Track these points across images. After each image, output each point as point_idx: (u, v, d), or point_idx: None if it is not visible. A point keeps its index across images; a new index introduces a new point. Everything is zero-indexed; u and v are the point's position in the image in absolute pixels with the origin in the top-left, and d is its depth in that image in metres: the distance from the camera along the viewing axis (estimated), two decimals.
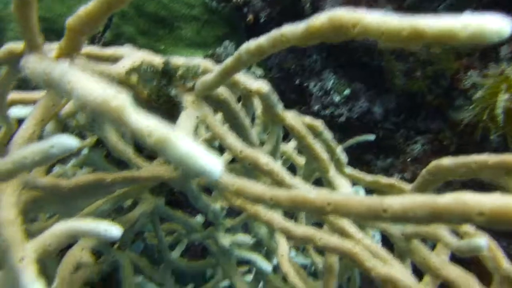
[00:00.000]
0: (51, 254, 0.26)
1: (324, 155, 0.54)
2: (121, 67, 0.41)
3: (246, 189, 0.26)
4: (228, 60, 0.35)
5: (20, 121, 0.61)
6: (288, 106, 1.60)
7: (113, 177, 0.54)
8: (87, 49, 0.44)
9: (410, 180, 1.37)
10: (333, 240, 0.30)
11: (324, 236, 0.30)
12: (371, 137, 1.29)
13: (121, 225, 0.63)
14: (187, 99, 0.38)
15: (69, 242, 0.27)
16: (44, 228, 0.59)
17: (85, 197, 0.55)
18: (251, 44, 0.33)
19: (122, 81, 0.38)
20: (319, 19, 0.27)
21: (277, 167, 0.35)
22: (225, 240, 0.68)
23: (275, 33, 0.31)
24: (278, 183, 0.35)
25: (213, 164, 0.17)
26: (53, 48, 0.30)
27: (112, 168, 0.65)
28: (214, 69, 0.44)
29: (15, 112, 0.58)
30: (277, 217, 0.34)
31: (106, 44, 1.41)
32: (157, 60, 0.43)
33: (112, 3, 0.24)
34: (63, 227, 0.26)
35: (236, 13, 1.47)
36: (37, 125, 0.31)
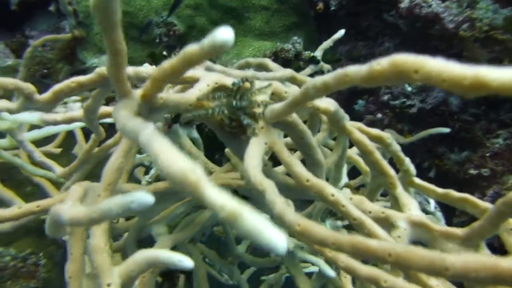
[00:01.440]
0: (133, 279, 0.29)
1: (392, 171, 0.54)
2: (196, 91, 0.43)
3: (310, 232, 0.28)
4: (297, 94, 0.37)
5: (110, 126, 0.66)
6: (356, 95, 1.56)
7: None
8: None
9: (488, 178, 1.29)
10: (400, 284, 0.31)
11: (390, 279, 0.30)
12: (446, 130, 1.23)
13: (194, 224, 0.67)
14: (257, 126, 0.40)
15: (148, 269, 0.30)
16: (126, 228, 0.66)
17: (161, 202, 0.60)
18: (318, 81, 0.34)
19: (197, 106, 0.41)
20: (381, 64, 0.28)
21: (341, 197, 0.36)
22: (289, 242, 0.71)
23: (340, 73, 0.32)
24: (343, 213, 0.36)
25: (278, 240, 0.19)
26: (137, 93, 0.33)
27: None
28: (282, 91, 0.46)
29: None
30: (342, 256, 0.35)
31: (181, 36, 1.47)
32: (229, 82, 0.45)
33: (192, 61, 0.27)
34: (144, 256, 0.29)
35: (306, 2, 1.45)
36: (124, 156, 0.35)
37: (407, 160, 0.62)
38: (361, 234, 0.35)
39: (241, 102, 0.40)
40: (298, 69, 1.18)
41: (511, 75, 0.22)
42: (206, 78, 0.45)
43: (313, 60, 1.14)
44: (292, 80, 0.77)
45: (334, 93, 1.33)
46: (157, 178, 0.70)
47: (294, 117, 0.44)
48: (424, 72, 0.26)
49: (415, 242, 0.51)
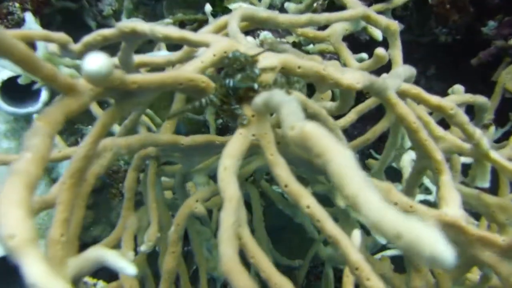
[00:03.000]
0: (84, 274, 0.31)
1: (439, 155, 0.45)
2: (197, 63, 0.40)
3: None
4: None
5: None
6: (486, 15, 1.27)
7: (222, 140, 0.57)
8: (181, 34, 0.44)
9: None
10: None
11: None
12: None
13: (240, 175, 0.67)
14: (247, 112, 0.36)
15: (97, 267, 0.31)
16: (173, 172, 0.68)
17: (200, 154, 0.60)
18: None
19: (191, 84, 0.37)
20: None
21: (318, 210, 0.31)
22: (340, 200, 0.67)
23: None
24: (318, 228, 0.31)
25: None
26: None
27: None
28: (294, 66, 0.39)
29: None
30: None
31: None
32: (242, 52, 0.40)
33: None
34: (94, 255, 0.30)
35: None
36: (93, 143, 0.34)
37: (478, 133, 0.52)
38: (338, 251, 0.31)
39: (233, 81, 0.36)
40: None
41: None
42: (216, 44, 0.41)
43: None
44: (366, 19, 0.67)
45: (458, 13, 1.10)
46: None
47: (302, 98, 0.38)
48: None
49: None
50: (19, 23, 1.24)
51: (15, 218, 0.18)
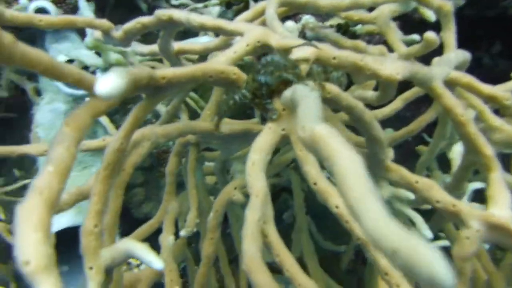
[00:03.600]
0: (115, 265, 0.32)
1: (489, 149, 0.42)
2: (230, 54, 0.39)
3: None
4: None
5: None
6: None
7: (260, 128, 0.56)
8: (215, 23, 0.43)
9: None
10: None
11: None
12: None
13: (273, 165, 0.67)
14: (278, 106, 0.35)
15: (127, 259, 0.32)
16: (213, 158, 0.69)
17: (238, 142, 0.60)
18: None
19: (222, 77, 0.37)
20: None
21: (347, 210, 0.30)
22: (385, 190, 0.64)
23: None
24: (347, 228, 0.30)
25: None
26: None
27: None
28: (329, 57, 0.37)
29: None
30: None
31: None
32: (277, 40, 0.39)
33: None
34: (124, 247, 0.31)
35: None
36: (124, 137, 0.35)
37: None
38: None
39: (266, 77, 0.35)
40: None
41: None
42: (249, 34, 0.40)
43: None
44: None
45: None
46: None
47: (334, 91, 0.36)
48: None
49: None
50: (76, 7, 1.29)
51: (32, 243, 0.18)
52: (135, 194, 1.54)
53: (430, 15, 0.71)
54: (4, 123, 1.54)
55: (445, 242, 0.85)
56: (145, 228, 0.63)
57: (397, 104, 0.61)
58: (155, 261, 0.29)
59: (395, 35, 0.63)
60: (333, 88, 0.36)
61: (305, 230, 0.85)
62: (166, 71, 0.33)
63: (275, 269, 0.27)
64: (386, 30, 0.64)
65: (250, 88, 0.36)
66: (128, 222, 1.51)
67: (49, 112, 1.43)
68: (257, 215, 0.27)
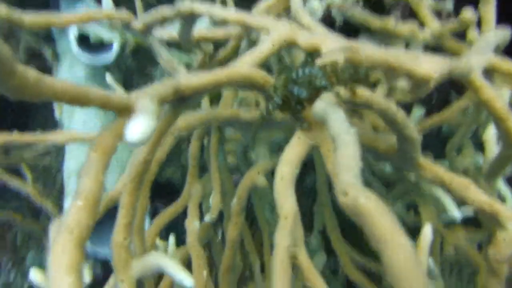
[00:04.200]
0: (145, 277, 0.32)
1: None
2: (256, 54, 0.37)
3: None
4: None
5: None
6: None
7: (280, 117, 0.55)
8: (239, 17, 0.41)
9: None
10: None
11: None
12: None
13: None
14: (308, 115, 0.33)
15: (157, 272, 0.32)
16: (235, 139, 0.68)
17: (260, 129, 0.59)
18: None
19: (248, 80, 0.35)
20: None
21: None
22: (412, 175, 0.63)
23: None
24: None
25: None
26: None
27: None
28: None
29: None
30: None
31: None
32: (305, 40, 0.37)
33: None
34: (155, 262, 0.31)
35: None
36: (152, 149, 0.34)
37: None
38: None
39: (299, 90, 0.33)
40: None
41: None
42: (274, 33, 0.38)
43: None
44: None
45: None
46: None
47: (365, 96, 0.34)
48: None
49: None
50: None
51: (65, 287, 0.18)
52: None
53: None
54: None
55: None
56: (171, 212, 0.63)
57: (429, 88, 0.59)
58: (186, 279, 0.30)
59: (427, 10, 0.59)
60: (364, 93, 0.34)
61: (327, 205, 0.85)
62: (190, 81, 0.32)
63: None
64: (417, 4, 0.60)
65: (280, 94, 0.35)
66: (150, 188, 1.55)
67: (68, 78, 1.43)
68: (287, 241, 0.26)
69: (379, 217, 0.17)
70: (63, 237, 0.21)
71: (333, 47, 0.35)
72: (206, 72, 0.33)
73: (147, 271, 0.31)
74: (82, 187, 0.22)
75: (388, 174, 0.75)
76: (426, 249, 0.38)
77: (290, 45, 0.38)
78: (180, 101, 0.33)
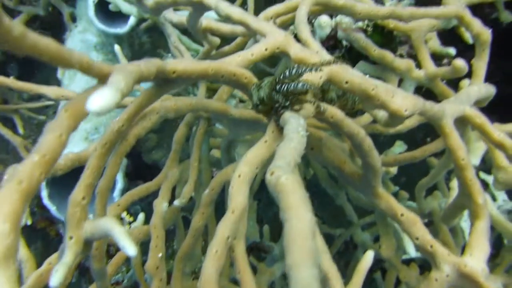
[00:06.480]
0: (94, 240, 0.33)
1: (481, 198, 0.42)
2: (247, 56, 0.39)
3: None
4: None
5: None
6: None
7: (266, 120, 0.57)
8: (241, 17, 0.43)
9: None
10: None
11: None
12: None
13: None
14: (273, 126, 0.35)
15: (104, 238, 0.34)
16: (222, 134, 0.70)
17: (246, 127, 0.61)
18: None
19: (233, 78, 0.37)
20: None
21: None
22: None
23: None
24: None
25: None
26: None
27: None
28: (341, 80, 0.37)
29: None
30: None
31: None
32: (296, 50, 0.39)
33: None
34: (104, 225, 0.33)
35: None
36: (127, 120, 0.36)
37: None
38: None
39: (280, 97, 0.35)
40: None
41: None
42: (270, 39, 0.40)
43: None
44: (459, 20, 0.60)
45: None
46: None
47: (338, 117, 0.36)
48: None
49: None
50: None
51: None
52: (148, 139, 1.57)
53: (469, 37, 0.68)
54: None
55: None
56: (143, 189, 0.65)
57: (413, 121, 0.61)
58: (129, 247, 0.31)
59: (426, 52, 0.62)
60: (338, 113, 0.36)
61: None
62: (177, 65, 0.34)
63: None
64: (418, 46, 0.63)
65: (259, 97, 0.37)
66: (136, 166, 1.55)
67: (80, 42, 1.45)
68: (228, 232, 0.28)
69: (291, 193, 0.19)
70: (10, 186, 0.22)
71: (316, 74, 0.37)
72: (195, 61, 0.35)
73: (97, 234, 0.33)
74: (43, 143, 0.24)
75: (364, 202, 0.77)
76: (362, 272, 0.40)
77: (282, 53, 0.40)
78: (165, 81, 0.35)
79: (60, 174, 0.41)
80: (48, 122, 0.26)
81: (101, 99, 0.21)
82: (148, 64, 0.29)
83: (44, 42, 0.23)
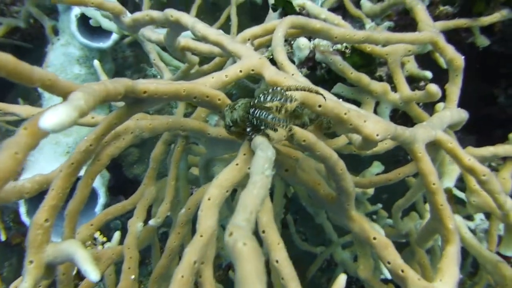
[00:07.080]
0: (57, 264, 0.32)
1: (451, 224, 0.42)
2: (222, 77, 0.39)
3: None
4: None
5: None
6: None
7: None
8: (218, 38, 0.43)
9: None
10: None
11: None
12: None
13: None
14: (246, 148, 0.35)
15: (67, 261, 0.33)
16: (200, 153, 0.69)
17: (224, 147, 0.61)
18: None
19: (206, 99, 0.37)
20: None
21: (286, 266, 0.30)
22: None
23: None
24: None
25: None
26: None
27: None
28: (314, 104, 0.37)
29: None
30: None
31: None
32: (270, 73, 0.39)
33: None
34: (68, 250, 0.32)
35: None
36: (95, 140, 0.35)
37: (509, 203, 0.48)
38: None
39: (254, 116, 0.35)
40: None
41: None
42: (245, 61, 0.40)
43: None
44: (433, 45, 0.61)
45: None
46: None
47: (311, 140, 0.36)
48: None
49: None
50: None
51: None
52: (129, 154, 1.55)
53: (443, 62, 0.70)
54: (18, 51, 1.54)
55: None
56: (118, 208, 0.64)
57: (388, 144, 0.61)
58: (92, 273, 0.30)
59: (401, 76, 0.63)
60: (310, 137, 0.36)
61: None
62: (148, 86, 0.33)
63: None
64: (394, 69, 0.64)
65: (232, 119, 0.37)
66: (118, 180, 1.53)
67: (62, 55, 1.44)
68: (195, 257, 0.28)
69: (247, 262, 0.19)
70: None
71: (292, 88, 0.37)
72: (167, 82, 0.35)
73: (59, 257, 0.32)
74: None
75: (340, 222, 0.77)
76: None
77: (256, 75, 0.40)
78: (136, 101, 0.34)
79: (27, 197, 0.40)
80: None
81: (54, 116, 0.20)
82: (116, 84, 0.29)
83: (2, 56, 0.23)
